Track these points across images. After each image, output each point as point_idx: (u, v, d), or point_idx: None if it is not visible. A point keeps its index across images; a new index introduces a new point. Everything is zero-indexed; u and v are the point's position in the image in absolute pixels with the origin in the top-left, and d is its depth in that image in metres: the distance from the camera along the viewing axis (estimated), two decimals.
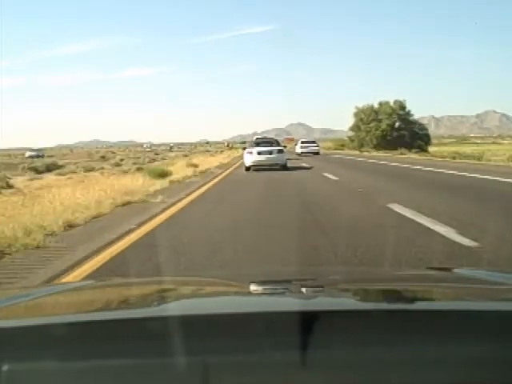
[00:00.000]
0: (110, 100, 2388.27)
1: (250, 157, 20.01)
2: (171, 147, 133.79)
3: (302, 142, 45.93)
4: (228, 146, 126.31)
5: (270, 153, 19.95)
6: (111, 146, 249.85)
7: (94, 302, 1.33)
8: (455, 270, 1.89)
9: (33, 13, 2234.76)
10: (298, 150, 43.43)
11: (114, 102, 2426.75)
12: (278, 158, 19.93)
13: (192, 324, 0.86)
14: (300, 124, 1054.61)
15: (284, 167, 19.70)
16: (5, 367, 0.77)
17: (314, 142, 47.40)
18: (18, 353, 0.81)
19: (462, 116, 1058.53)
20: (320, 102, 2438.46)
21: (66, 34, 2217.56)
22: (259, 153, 19.83)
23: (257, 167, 19.74)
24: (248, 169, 20.03)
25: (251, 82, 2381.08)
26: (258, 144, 21.09)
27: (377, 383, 0.78)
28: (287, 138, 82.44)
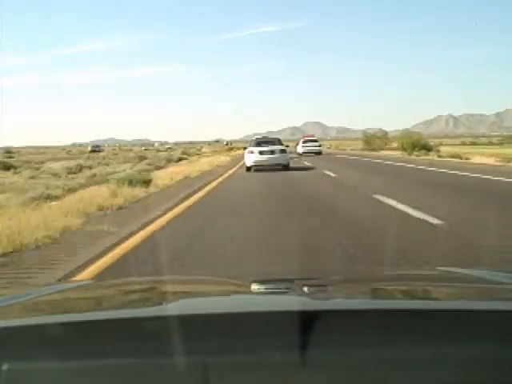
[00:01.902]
0: (125, 99, 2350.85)
1: (252, 156, 19.57)
2: (112, 147, 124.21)
3: (304, 142, 41.45)
4: (227, 144, 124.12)
5: (272, 152, 19.46)
6: (121, 145, 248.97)
7: (94, 301, 1.31)
8: (455, 270, 1.88)
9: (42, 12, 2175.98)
10: (300, 149, 39.69)
11: (129, 101, 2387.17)
12: (280, 157, 19.45)
13: (192, 324, 0.85)
14: (316, 123, 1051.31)
15: (286, 167, 19.22)
16: (5, 367, 0.77)
17: (315, 140, 43.44)
18: (18, 352, 0.81)
19: (481, 115, 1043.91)
20: (336, 100, 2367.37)
21: (75, 33, 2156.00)
22: (261, 152, 19.39)
23: (258, 167, 19.30)
24: (249, 169, 19.61)
25: (267, 81, 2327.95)
26: (259, 144, 20.43)
27: (377, 383, 0.78)
28: (306, 136, 79.01)
